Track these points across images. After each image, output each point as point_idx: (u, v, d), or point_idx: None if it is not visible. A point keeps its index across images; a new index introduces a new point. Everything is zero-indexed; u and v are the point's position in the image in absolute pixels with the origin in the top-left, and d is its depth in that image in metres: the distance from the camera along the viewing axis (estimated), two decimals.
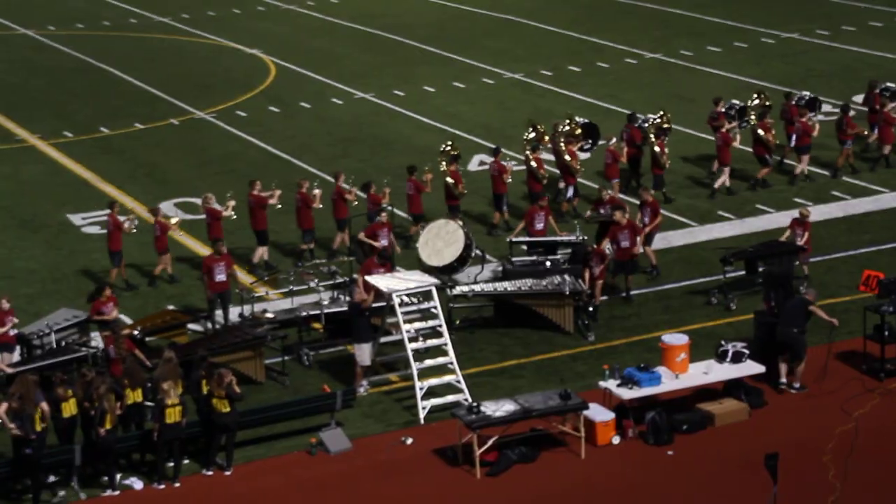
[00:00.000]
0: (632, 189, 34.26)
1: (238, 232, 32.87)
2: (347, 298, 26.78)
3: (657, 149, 33.69)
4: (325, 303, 27.22)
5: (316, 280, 27.97)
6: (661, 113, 35.68)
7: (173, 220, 30.96)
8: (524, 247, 29.71)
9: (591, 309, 27.39)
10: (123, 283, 30.13)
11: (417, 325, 25.08)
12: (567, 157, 33.27)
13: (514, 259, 28.97)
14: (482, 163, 37.02)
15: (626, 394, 23.28)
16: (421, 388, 24.26)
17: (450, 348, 24.76)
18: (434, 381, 24.53)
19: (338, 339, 26.80)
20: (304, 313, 26.88)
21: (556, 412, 22.75)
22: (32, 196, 36.95)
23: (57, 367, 25.01)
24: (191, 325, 27.41)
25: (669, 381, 23.59)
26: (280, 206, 31.68)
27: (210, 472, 22.71)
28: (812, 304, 24.29)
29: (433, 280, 25.66)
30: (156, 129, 42.63)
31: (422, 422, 24.04)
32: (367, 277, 25.79)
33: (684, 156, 36.97)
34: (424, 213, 31.90)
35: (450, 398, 24.32)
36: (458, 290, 27.53)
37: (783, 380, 24.36)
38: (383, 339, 25.50)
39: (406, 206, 32.25)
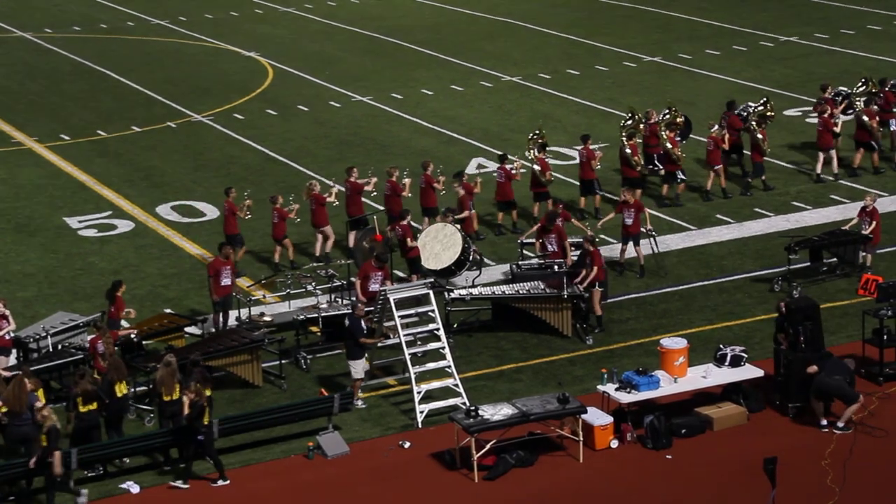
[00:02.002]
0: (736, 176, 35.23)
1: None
2: (347, 307, 26.59)
3: (759, 136, 34.10)
4: (323, 306, 27.15)
5: (313, 283, 27.92)
6: (764, 100, 36.22)
7: (292, 207, 31.10)
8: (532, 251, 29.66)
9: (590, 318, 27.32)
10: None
11: (415, 328, 25.00)
12: (668, 146, 33.76)
13: (521, 263, 28.91)
14: (480, 166, 37.01)
15: (625, 398, 23.21)
16: (419, 392, 24.19)
17: (448, 352, 24.69)
18: (432, 385, 24.46)
19: (335, 343, 26.73)
20: (302, 317, 26.81)
21: (554, 416, 22.68)
22: (29, 199, 36.87)
23: (54, 370, 25.05)
24: (188, 329, 27.31)
25: (668, 385, 23.53)
26: (375, 192, 32.14)
27: (225, 481, 22.51)
28: (853, 371, 23.18)
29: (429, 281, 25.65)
30: (153, 132, 42.57)
31: (419, 426, 23.97)
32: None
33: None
34: (514, 201, 32.55)
35: (448, 402, 24.25)
36: (455, 293, 27.45)
37: (823, 421, 23.05)
38: (381, 343, 25.42)
39: (494, 194, 32.90)
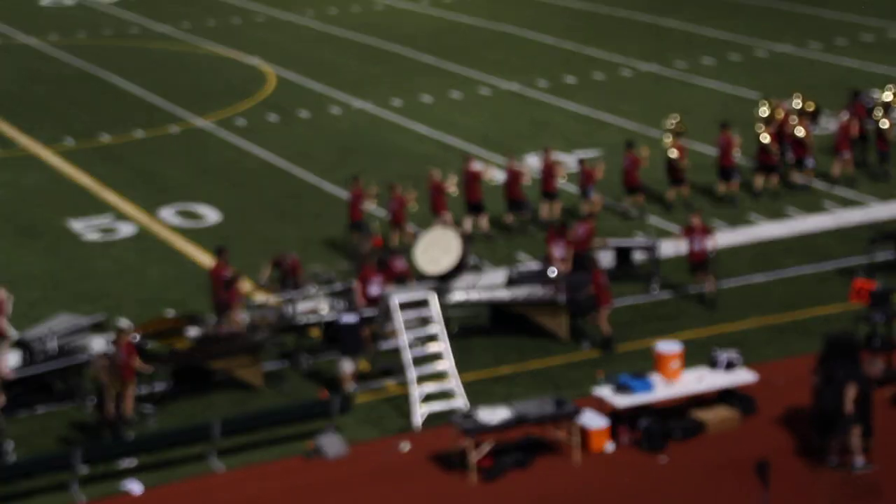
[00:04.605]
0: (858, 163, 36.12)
1: (231, 239, 33.11)
2: (345, 308, 26.86)
3: (885, 124, 35.09)
4: (324, 309, 27.36)
5: (315, 286, 28.11)
6: (891, 87, 37.15)
7: (410, 195, 31.84)
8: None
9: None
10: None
11: (416, 331, 25.25)
12: (801, 132, 34.79)
13: (519, 267, 29.15)
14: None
15: (620, 401, 23.42)
16: (418, 394, 24.43)
17: (448, 354, 24.92)
18: (431, 387, 24.71)
19: (336, 345, 26.93)
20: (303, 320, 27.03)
21: (550, 419, 22.93)
22: (32, 203, 37.09)
23: (57, 373, 25.31)
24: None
25: (663, 389, 23.76)
26: (493, 181, 33.05)
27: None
28: (869, 383, 22.11)
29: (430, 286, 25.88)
30: (156, 137, 42.81)
31: (418, 428, 24.27)
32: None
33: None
34: (641, 185, 33.74)
35: (446, 404, 24.50)
36: (454, 297, 27.66)
37: (832, 456, 22.13)
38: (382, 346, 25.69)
39: (622, 179, 33.84)
